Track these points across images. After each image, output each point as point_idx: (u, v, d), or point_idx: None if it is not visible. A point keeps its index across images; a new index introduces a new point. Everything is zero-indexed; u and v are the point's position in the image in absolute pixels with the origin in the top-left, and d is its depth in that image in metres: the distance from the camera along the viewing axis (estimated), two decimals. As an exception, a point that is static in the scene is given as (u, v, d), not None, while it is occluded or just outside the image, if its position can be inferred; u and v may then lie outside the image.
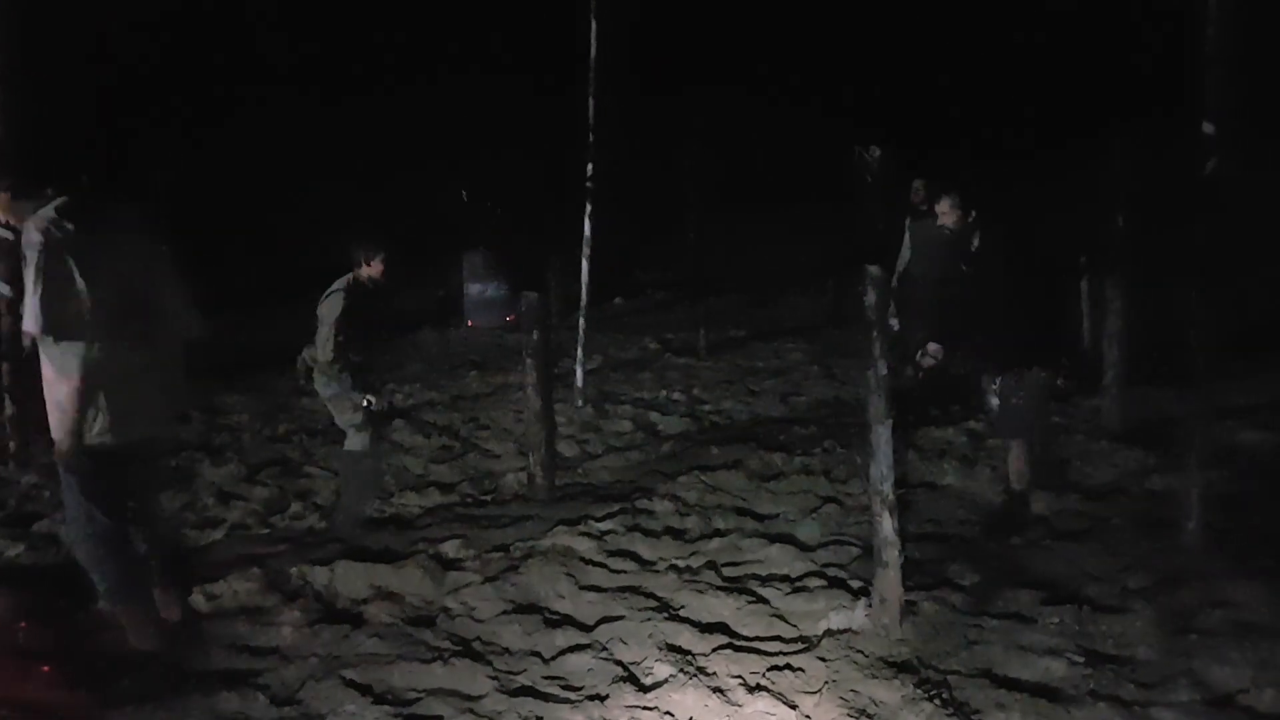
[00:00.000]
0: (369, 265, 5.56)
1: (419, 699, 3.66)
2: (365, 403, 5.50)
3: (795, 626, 4.11)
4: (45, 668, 3.85)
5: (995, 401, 5.32)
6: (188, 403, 4.04)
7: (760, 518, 5.42)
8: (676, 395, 8.52)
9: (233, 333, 12.87)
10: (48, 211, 3.55)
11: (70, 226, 3.53)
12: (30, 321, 3.49)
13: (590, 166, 7.88)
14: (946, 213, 5.38)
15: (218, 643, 4.07)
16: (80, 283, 3.50)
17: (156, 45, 16.93)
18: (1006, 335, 5.12)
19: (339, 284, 5.52)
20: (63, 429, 3.60)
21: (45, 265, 3.46)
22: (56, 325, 3.48)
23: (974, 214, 5.17)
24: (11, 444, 6.82)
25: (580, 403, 8.01)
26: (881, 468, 3.92)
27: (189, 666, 3.84)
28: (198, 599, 4.41)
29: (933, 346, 5.28)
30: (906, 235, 7.98)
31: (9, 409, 6.79)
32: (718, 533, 5.18)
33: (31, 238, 3.48)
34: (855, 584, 4.37)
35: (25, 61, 6.62)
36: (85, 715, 3.58)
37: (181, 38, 17.40)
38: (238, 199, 17.50)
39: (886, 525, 3.94)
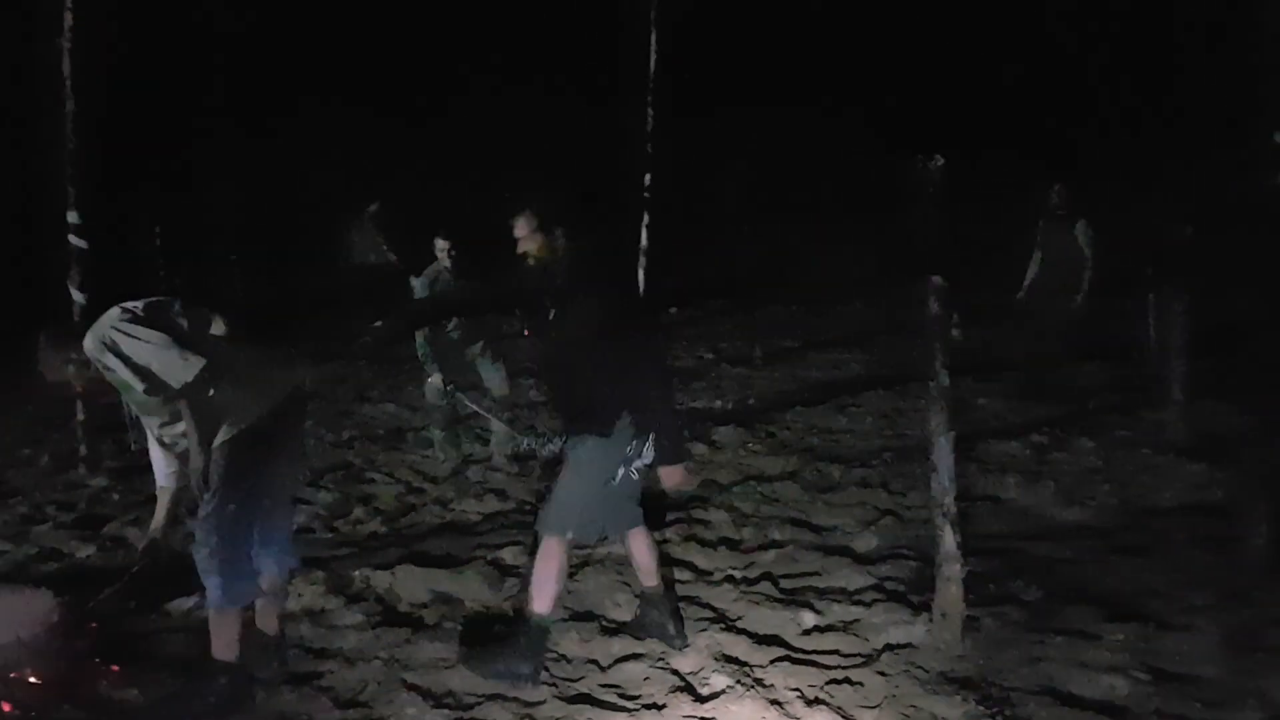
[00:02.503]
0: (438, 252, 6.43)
1: (478, 703, 3.70)
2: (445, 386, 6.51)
3: (854, 640, 4.09)
4: (114, 668, 3.95)
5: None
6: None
7: (817, 529, 5.39)
8: (731, 405, 8.51)
9: (298, 339, 13.13)
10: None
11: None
12: None
13: (648, 178, 7.92)
14: (525, 237, 3.85)
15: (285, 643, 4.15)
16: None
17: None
18: (561, 397, 4.12)
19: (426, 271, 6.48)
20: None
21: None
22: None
23: (562, 238, 3.82)
24: (82, 448, 7.01)
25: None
26: (943, 480, 3.89)
27: (262, 676, 3.89)
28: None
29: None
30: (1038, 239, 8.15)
31: (79, 414, 6.98)
32: (774, 544, 5.16)
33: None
34: (915, 598, 4.34)
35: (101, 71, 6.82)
36: (152, 716, 3.66)
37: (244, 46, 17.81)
38: (300, 209, 17.83)
39: (948, 539, 3.90)
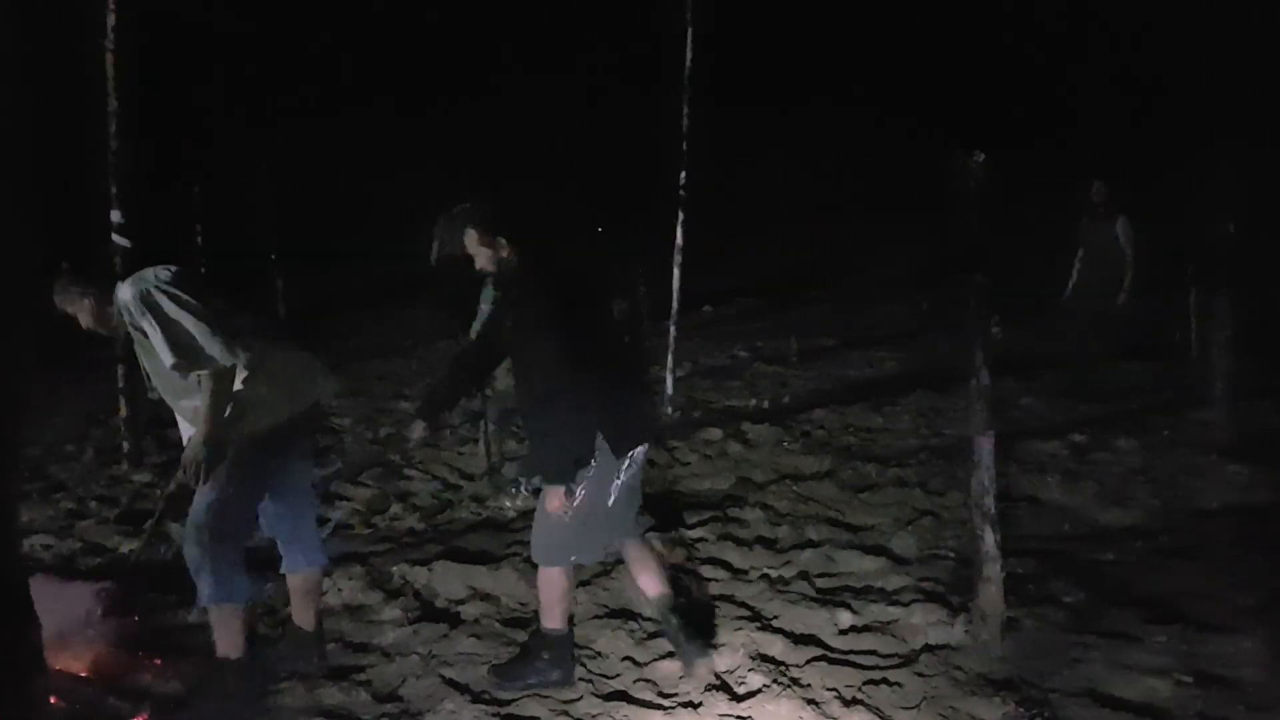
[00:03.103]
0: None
1: (515, 699, 3.71)
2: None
3: (891, 640, 4.06)
4: (158, 660, 4.00)
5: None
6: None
7: (854, 529, 5.36)
8: (766, 404, 8.49)
9: (334, 337, 13.26)
10: None
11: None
12: None
13: (684, 175, 7.90)
14: (474, 253, 3.67)
15: (325, 638, 4.19)
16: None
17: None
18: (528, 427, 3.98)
19: None
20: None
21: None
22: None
23: (504, 247, 3.61)
24: (125, 444, 7.11)
25: (670, 410, 8.03)
26: (983, 480, 3.85)
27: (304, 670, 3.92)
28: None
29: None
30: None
31: (124, 410, 7.08)
32: (810, 543, 5.14)
33: None
34: (954, 599, 4.30)
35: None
36: (195, 707, 3.71)
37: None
38: (336, 205, 18.01)
39: (988, 539, 3.87)
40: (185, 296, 3.44)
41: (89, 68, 6.79)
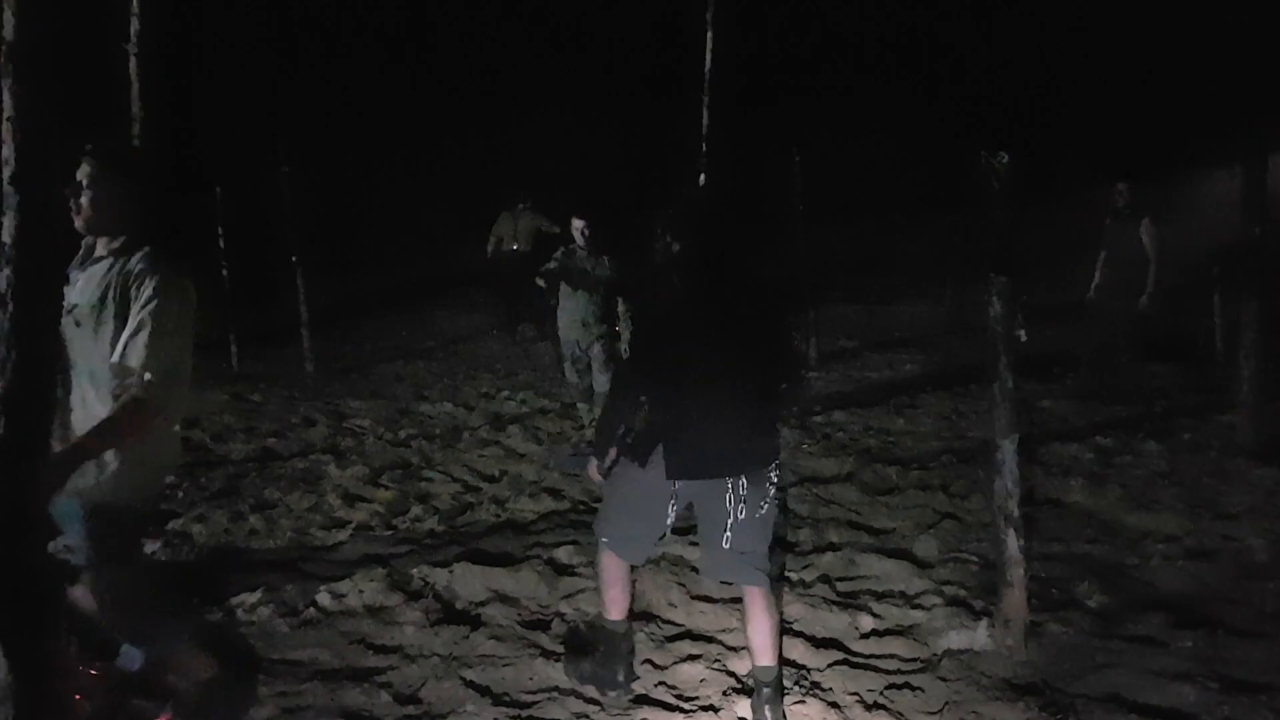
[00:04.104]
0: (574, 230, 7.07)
1: (536, 701, 3.71)
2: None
3: (914, 645, 4.04)
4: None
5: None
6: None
7: (875, 532, 5.34)
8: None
9: (354, 339, 13.33)
10: None
11: None
12: None
13: (702, 176, 7.89)
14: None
15: (346, 639, 4.21)
16: None
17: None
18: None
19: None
20: None
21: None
22: None
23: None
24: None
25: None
26: (1007, 483, 3.83)
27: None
28: (324, 597, 4.56)
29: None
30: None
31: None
32: (831, 546, 5.12)
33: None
34: (976, 603, 4.27)
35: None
36: (217, 707, 3.72)
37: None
38: (358, 208, 18.09)
39: (1012, 543, 3.84)
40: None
41: (112, 70, 6.84)
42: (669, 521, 3.48)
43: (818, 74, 19.46)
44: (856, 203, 17.51)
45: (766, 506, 3.44)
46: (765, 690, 3.43)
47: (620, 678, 3.74)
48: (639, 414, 3.44)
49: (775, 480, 3.49)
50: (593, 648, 3.88)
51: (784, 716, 3.49)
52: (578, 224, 7.09)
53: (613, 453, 3.57)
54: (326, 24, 20.01)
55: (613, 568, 3.66)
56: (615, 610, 3.73)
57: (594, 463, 3.63)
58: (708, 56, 7.79)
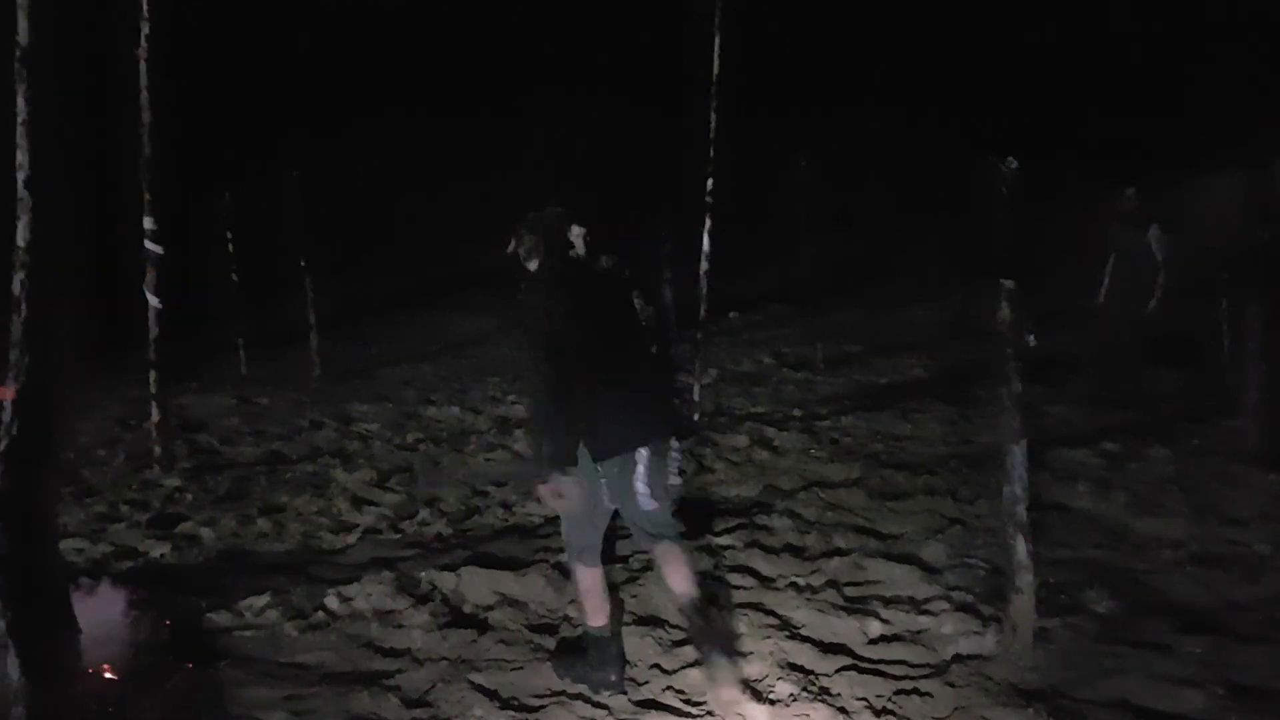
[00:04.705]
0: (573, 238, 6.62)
1: (543, 705, 3.72)
2: None
3: (922, 650, 4.03)
4: (189, 664, 4.03)
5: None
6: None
7: (882, 537, 5.33)
8: (794, 410, 8.46)
9: (362, 343, 13.35)
10: None
11: None
12: None
13: (710, 181, 7.90)
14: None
15: (353, 642, 4.22)
16: None
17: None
18: None
19: None
20: None
21: None
22: None
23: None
24: (157, 449, 7.18)
25: (696, 417, 8.02)
26: (1015, 489, 3.83)
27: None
28: (332, 600, 4.57)
29: None
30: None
31: (155, 415, 7.16)
32: (838, 551, 5.11)
33: None
34: (984, 609, 4.27)
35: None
36: (226, 711, 3.73)
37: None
38: (366, 211, 18.13)
39: (1020, 549, 3.84)
40: None
41: (122, 74, 6.87)
42: (609, 505, 3.75)
43: (821, 78, 19.45)
44: (858, 207, 17.49)
45: (673, 471, 3.84)
46: (700, 622, 3.76)
47: (613, 678, 3.81)
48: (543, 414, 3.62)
49: (678, 447, 3.87)
50: (583, 653, 3.92)
51: (724, 641, 3.81)
52: (578, 230, 7.04)
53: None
54: (334, 26, 20.07)
55: (587, 578, 3.83)
56: (599, 617, 3.85)
57: (536, 485, 3.72)
58: (715, 60, 7.80)
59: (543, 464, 3.59)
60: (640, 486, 3.68)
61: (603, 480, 3.69)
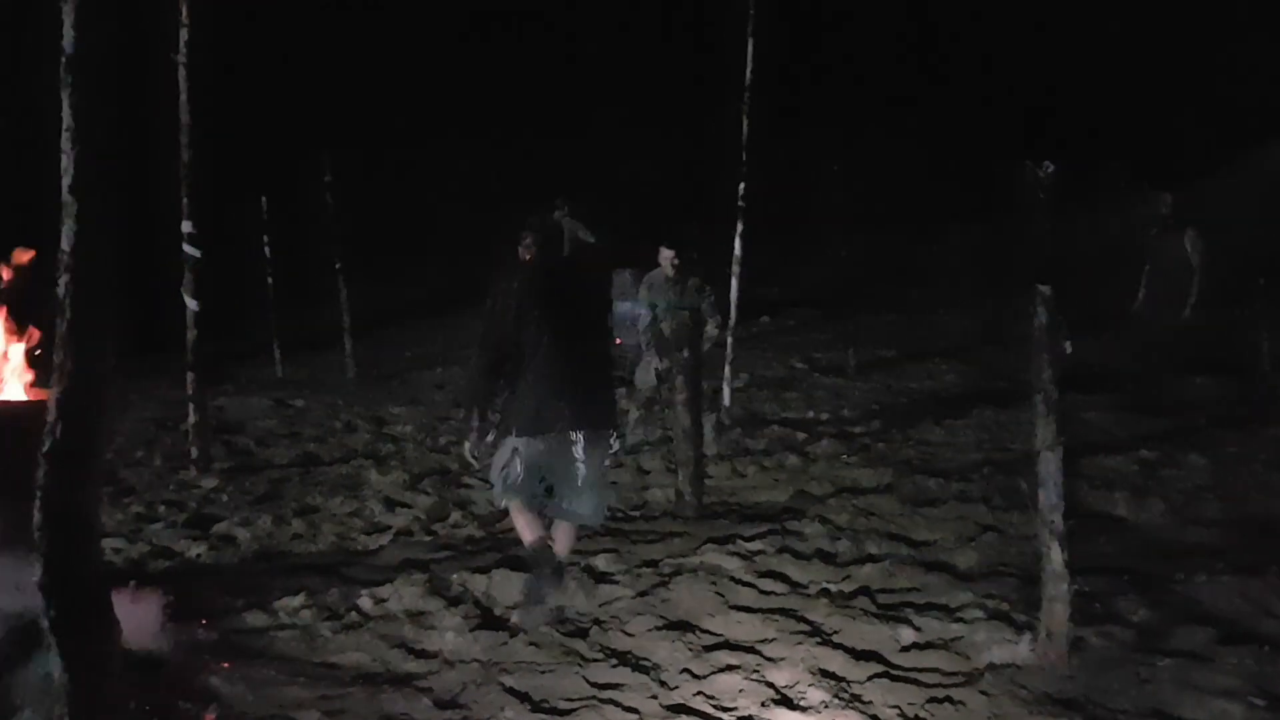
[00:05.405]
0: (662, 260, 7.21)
1: (574, 709, 3.72)
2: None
3: (955, 658, 4.00)
4: (224, 664, 4.07)
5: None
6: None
7: (915, 544, 5.30)
8: (825, 415, 8.43)
9: (394, 346, 13.46)
10: None
11: None
12: None
13: (742, 186, 7.90)
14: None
15: (386, 643, 4.25)
16: None
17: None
18: None
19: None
20: None
21: None
22: None
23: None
24: (193, 450, 7.27)
25: (728, 421, 8.02)
26: (1052, 497, 3.79)
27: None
28: (365, 601, 4.61)
29: None
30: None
31: (192, 417, 7.24)
32: (870, 558, 5.09)
33: None
34: (1018, 617, 4.23)
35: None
36: (257, 710, 3.77)
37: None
38: (402, 219, 18.27)
39: (1056, 556, 3.80)
40: None
41: (162, 79, 6.97)
42: (535, 474, 4.46)
43: (853, 83, 19.37)
44: (890, 211, 17.41)
45: (608, 463, 4.60)
46: (545, 569, 4.48)
47: (558, 576, 4.51)
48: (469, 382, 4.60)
49: (614, 444, 4.60)
50: (529, 581, 4.57)
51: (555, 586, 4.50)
52: (668, 253, 7.22)
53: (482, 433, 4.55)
54: (371, 33, 20.23)
55: (517, 516, 4.57)
56: (530, 538, 4.52)
57: (469, 443, 4.61)
58: (747, 68, 7.81)
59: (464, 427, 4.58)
60: (579, 469, 4.43)
61: (524, 451, 4.40)
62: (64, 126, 2.96)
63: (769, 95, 7.94)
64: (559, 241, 4.58)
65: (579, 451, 4.43)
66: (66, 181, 2.92)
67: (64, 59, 2.95)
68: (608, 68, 20.13)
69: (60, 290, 2.84)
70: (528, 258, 4.58)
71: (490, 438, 4.56)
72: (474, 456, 4.63)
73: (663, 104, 19.36)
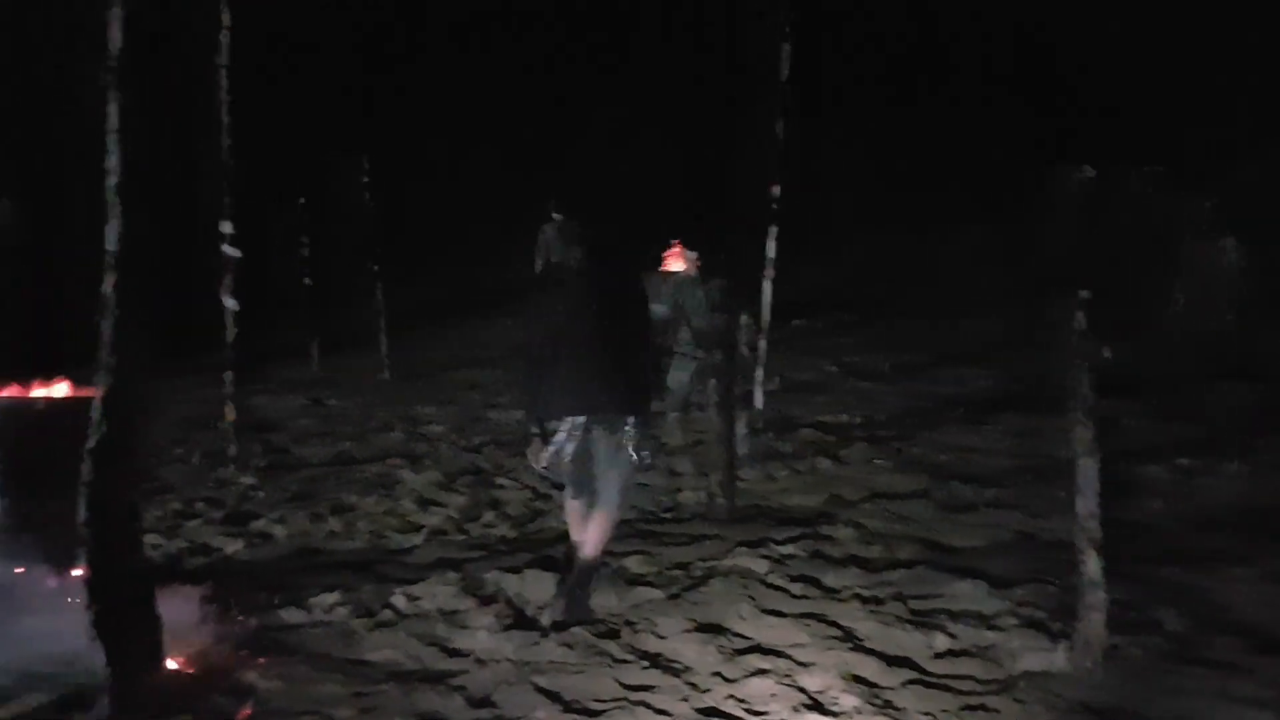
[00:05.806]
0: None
1: (606, 710, 3.73)
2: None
3: (989, 665, 3.98)
4: (260, 660, 4.12)
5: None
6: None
7: (949, 550, 5.27)
8: (858, 419, 8.40)
9: (429, 346, 13.54)
10: None
11: None
12: None
13: (776, 189, 7.88)
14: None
15: (420, 641, 4.28)
16: None
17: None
18: None
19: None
20: None
21: None
22: None
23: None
24: (231, 447, 7.35)
25: (760, 424, 8.00)
26: (1089, 504, 3.76)
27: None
28: (399, 599, 4.65)
29: None
30: None
31: (229, 415, 7.33)
32: (904, 563, 5.07)
33: None
34: (1053, 624, 4.20)
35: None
36: (293, 706, 3.81)
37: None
38: (436, 216, 18.38)
39: (1092, 564, 3.77)
40: None
41: (201, 81, 7.06)
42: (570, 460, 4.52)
43: (884, 81, 19.24)
44: (915, 214, 17.27)
45: (624, 450, 4.49)
46: (582, 571, 4.53)
47: (573, 594, 4.51)
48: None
49: (630, 431, 4.49)
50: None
51: (587, 598, 4.52)
52: (691, 255, 7.33)
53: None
54: (407, 36, 20.38)
55: (566, 510, 4.73)
56: (571, 532, 4.69)
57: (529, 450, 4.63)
58: (782, 67, 7.78)
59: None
60: (600, 452, 4.48)
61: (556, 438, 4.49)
62: (108, 128, 3.00)
63: (790, 95, 7.88)
64: (598, 244, 4.53)
65: (593, 438, 4.49)
66: (112, 181, 2.97)
67: (109, 60, 3.00)
68: (648, 74, 20.11)
69: (106, 289, 2.89)
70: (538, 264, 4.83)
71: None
72: (536, 461, 4.61)
73: (678, 108, 19.31)
